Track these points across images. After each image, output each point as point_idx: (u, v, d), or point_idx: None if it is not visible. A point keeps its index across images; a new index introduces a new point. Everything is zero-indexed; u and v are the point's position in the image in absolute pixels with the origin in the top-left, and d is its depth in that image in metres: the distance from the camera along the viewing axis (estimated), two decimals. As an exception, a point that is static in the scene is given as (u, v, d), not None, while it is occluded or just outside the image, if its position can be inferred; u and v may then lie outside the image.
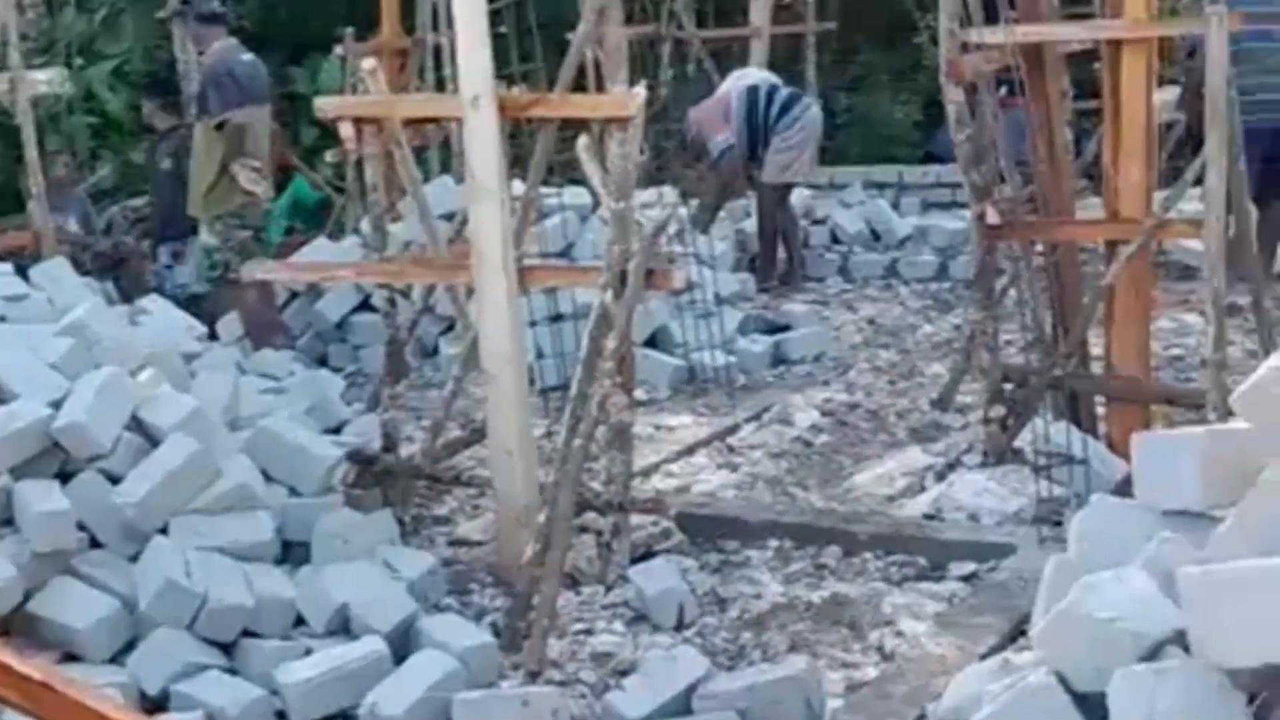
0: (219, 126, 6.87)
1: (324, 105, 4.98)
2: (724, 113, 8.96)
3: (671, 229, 6.58)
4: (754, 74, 9.60)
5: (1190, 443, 2.67)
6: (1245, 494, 2.45)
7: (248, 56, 7.14)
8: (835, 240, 9.52)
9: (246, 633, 4.13)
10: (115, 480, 4.30)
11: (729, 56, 11.31)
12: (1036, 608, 2.75)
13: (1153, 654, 2.34)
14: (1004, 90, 5.85)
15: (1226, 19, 4.76)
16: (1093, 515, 2.81)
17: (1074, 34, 5.29)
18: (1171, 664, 2.28)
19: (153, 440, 4.44)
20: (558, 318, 6.41)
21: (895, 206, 10.04)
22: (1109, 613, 2.36)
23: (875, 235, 9.49)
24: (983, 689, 2.59)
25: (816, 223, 9.59)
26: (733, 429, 6.27)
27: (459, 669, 3.87)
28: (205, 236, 7.07)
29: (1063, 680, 2.38)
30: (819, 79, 11.60)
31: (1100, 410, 5.47)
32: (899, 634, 4.30)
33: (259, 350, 6.58)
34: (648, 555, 4.82)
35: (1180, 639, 2.35)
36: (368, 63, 4.97)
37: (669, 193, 6.65)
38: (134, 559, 4.22)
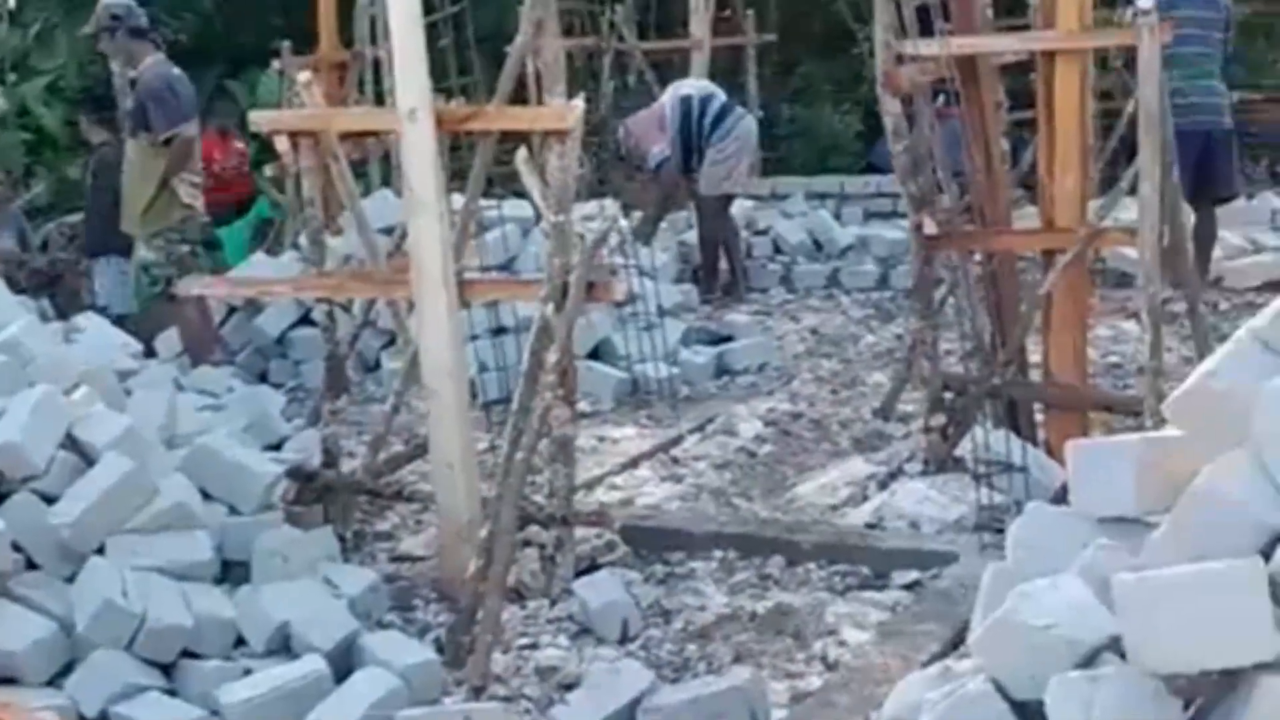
0: (166, 141, 6.81)
1: (259, 119, 4.95)
2: (659, 124, 9.00)
3: (613, 241, 6.59)
4: (691, 84, 9.63)
5: (1124, 450, 2.69)
6: (1179, 500, 2.48)
7: (177, 71, 7.09)
8: (778, 251, 9.56)
9: (186, 653, 4.08)
10: (50, 500, 4.24)
11: (670, 68, 11.35)
12: (975, 616, 2.76)
13: (1089, 661, 2.36)
14: (941, 100, 5.90)
15: (1158, 29, 4.82)
16: (1029, 523, 2.83)
17: (1007, 45, 5.33)
18: (1107, 671, 2.30)
19: (88, 459, 4.38)
20: (500, 331, 6.40)
21: (837, 217, 10.10)
22: (1045, 620, 2.37)
23: (817, 245, 9.54)
24: (923, 697, 2.60)
25: (759, 233, 9.63)
26: (676, 440, 6.28)
27: (401, 686, 3.84)
28: (144, 253, 7.00)
29: (1000, 688, 2.40)
30: (760, 91, 11.66)
31: (1039, 418, 5.52)
32: (842, 643, 4.32)
33: (197, 367, 6.53)
34: (592, 568, 4.81)
35: (1116, 645, 2.37)
36: (303, 76, 4.94)
37: (610, 205, 6.65)
38: (71, 580, 4.16)
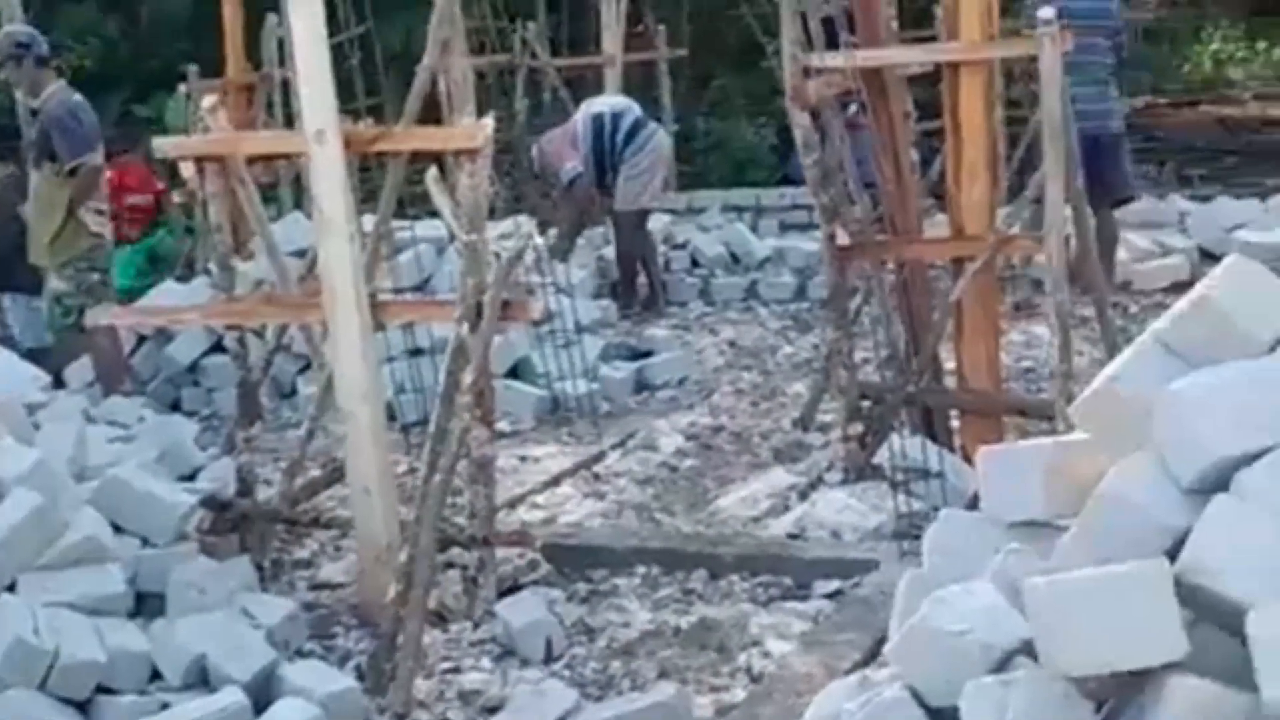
0: (72, 171, 6.70)
1: (164, 145, 4.89)
2: (571, 141, 9.01)
3: (529, 259, 6.57)
4: (605, 101, 9.65)
5: (1032, 454, 2.71)
6: (1086, 504, 2.50)
7: (80, 98, 6.99)
8: (695, 264, 9.58)
9: (101, 689, 4.00)
10: (-43, 538, 4.15)
11: (583, 85, 11.36)
12: (892, 623, 2.78)
13: (1002, 665, 2.37)
14: (852, 110, 5.95)
15: (1058, 38, 4.90)
16: (943, 529, 2.84)
17: (912, 57, 5.39)
18: (1020, 674, 2.31)
19: (-5, 495, 4.29)
20: (416, 352, 6.36)
21: (754, 229, 10.15)
22: (959, 626, 2.39)
23: (735, 258, 9.58)
24: (842, 707, 2.61)
25: (677, 247, 9.65)
26: (598, 457, 6.26)
27: (321, 716, 3.80)
28: (55, 283, 6.87)
29: (916, 695, 2.41)
30: (675, 105, 11.71)
31: (955, 424, 5.57)
32: (766, 655, 4.33)
33: (109, 397, 6.42)
34: (515, 588, 4.78)
35: (1029, 649, 2.38)
36: (207, 100, 4.89)
37: (525, 223, 6.62)
38: (-20, 618, 4.07)
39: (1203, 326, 2.56)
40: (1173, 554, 2.34)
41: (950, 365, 5.63)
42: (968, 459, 5.19)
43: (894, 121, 5.35)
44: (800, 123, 5.22)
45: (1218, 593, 2.28)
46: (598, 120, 9.00)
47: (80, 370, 7.08)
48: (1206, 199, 10.23)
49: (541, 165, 9.28)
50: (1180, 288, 8.03)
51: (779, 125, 11.74)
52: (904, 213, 5.39)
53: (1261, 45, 14.51)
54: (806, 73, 5.19)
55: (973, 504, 4.01)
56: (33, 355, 6.63)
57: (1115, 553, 2.34)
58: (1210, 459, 2.37)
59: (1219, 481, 2.38)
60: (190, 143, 5.11)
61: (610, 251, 9.32)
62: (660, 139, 9.19)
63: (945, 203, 5.59)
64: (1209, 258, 8.69)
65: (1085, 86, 7.71)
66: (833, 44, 5.21)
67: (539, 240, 7.21)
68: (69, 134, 6.76)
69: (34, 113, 6.94)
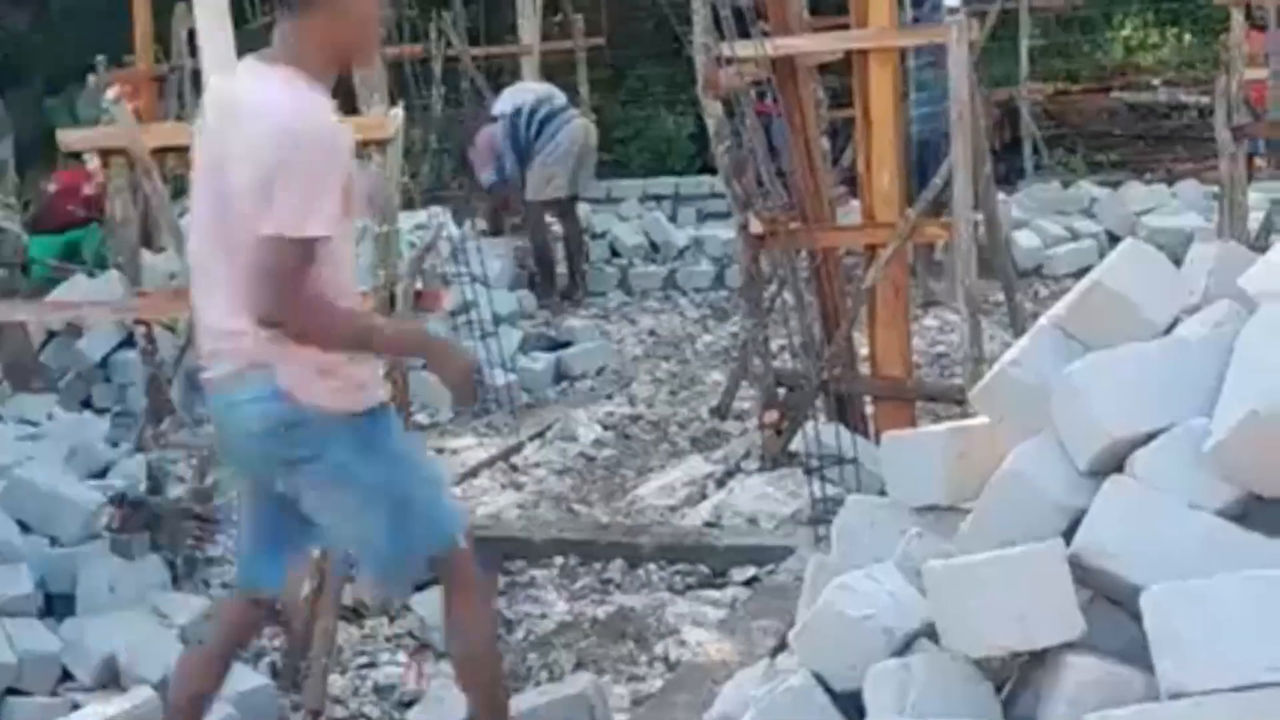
0: None
1: (67, 138, 4.81)
2: (492, 147, 9.04)
3: (445, 250, 6.55)
4: (529, 89, 9.62)
5: (933, 440, 2.75)
6: (984, 487, 2.54)
7: None
8: (614, 253, 9.59)
9: (11, 690, 3.95)
10: None
11: (501, 74, 11.31)
12: (800, 609, 2.80)
13: (905, 648, 2.40)
14: (769, 98, 5.95)
15: (967, 28, 4.95)
16: (850, 515, 2.87)
17: (822, 46, 5.43)
18: (920, 658, 2.34)
19: (-102, 496, 4.22)
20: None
21: (672, 218, 10.17)
22: (862, 611, 2.41)
23: (654, 247, 9.59)
24: (750, 694, 2.63)
25: (596, 236, 9.65)
26: (516, 448, 6.26)
27: (235, 715, 3.76)
28: None
29: (821, 680, 2.43)
30: (593, 94, 11.68)
31: (869, 410, 5.62)
32: (683, 643, 4.35)
33: (18, 394, 6.31)
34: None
35: (932, 632, 2.41)
36: (110, 92, 4.81)
37: (440, 213, 6.60)
38: (-115, 623, 4.00)
39: (1098, 310, 2.60)
40: (1069, 535, 2.38)
41: (864, 352, 5.68)
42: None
43: (805, 110, 5.38)
44: (713, 112, 5.23)
45: (1113, 572, 2.32)
46: (514, 120, 9.01)
47: (-12, 367, 6.95)
48: (1116, 184, 10.38)
49: (472, 169, 9.33)
50: (1089, 273, 8.17)
51: (698, 114, 11.76)
52: (816, 201, 5.42)
53: (1172, 31, 14.74)
54: (719, 62, 5.20)
55: (885, 490, 4.06)
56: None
57: (1014, 534, 2.38)
58: (1105, 440, 2.42)
59: (1114, 462, 2.42)
60: (94, 135, 5.03)
61: (528, 242, 9.31)
62: (573, 127, 9.16)
63: (857, 190, 5.63)
64: (1118, 242, 8.81)
65: (915, 91, 7.62)
66: (744, 33, 5.22)
67: (454, 230, 7.20)
68: None
69: None
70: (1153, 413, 2.42)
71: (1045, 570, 2.25)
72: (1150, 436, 2.41)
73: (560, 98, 9.34)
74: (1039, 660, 2.32)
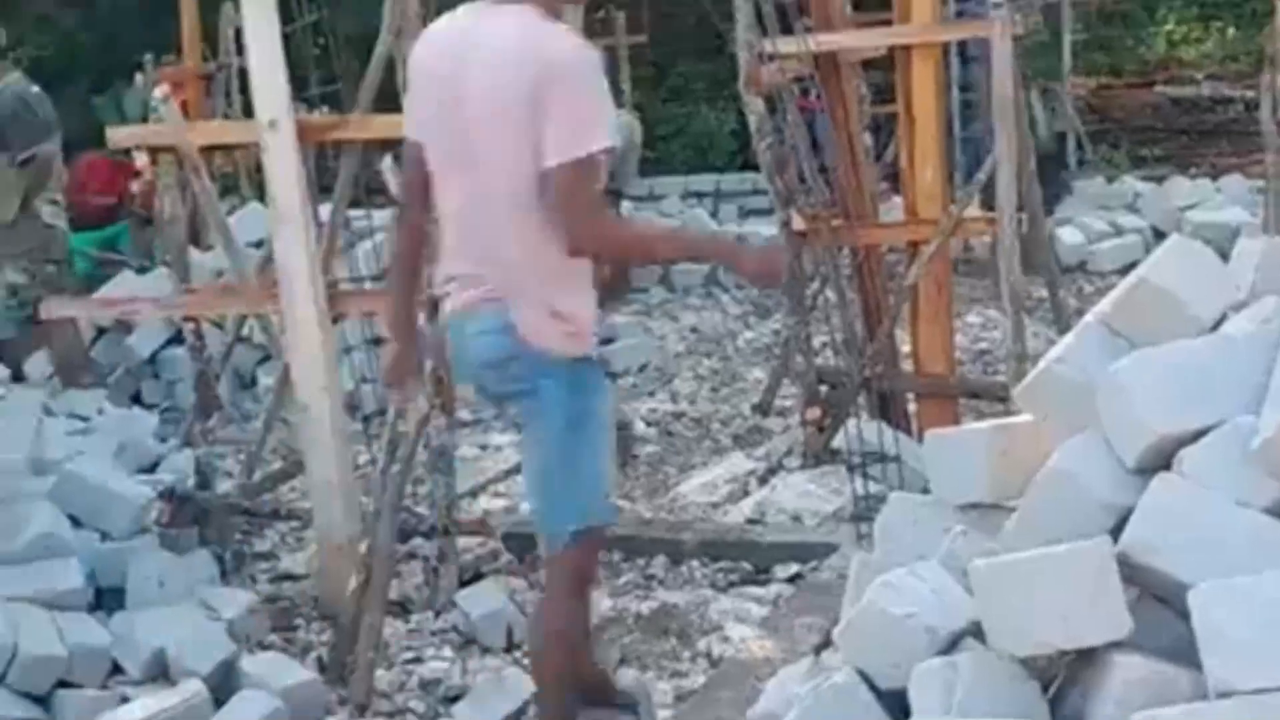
0: (24, 162, 6.64)
1: (117, 136, 4.87)
2: None
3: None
4: None
5: (977, 437, 2.74)
6: (1030, 485, 2.53)
7: (36, 89, 6.93)
8: (656, 250, 9.58)
9: (61, 684, 3.99)
10: (-86, 534, 4.14)
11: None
12: (843, 607, 2.80)
13: (950, 647, 2.40)
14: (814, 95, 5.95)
15: (1010, 23, 4.93)
16: (893, 513, 2.87)
17: (865, 41, 5.41)
18: (966, 656, 2.34)
19: (-49, 490, 4.28)
20: (376, 342, 6.32)
21: (714, 215, 10.18)
22: (906, 609, 2.41)
23: (695, 244, 9.58)
24: (794, 691, 2.63)
25: (638, 233, 9.65)
26: (558, 444, 6.26)
27: (282, 708, 3.80)
28: (9, 275, 6.81)
29: (866, 678, 2.43)
30: (635, 92, 11.70)
31: (912, 407, 5.61)
32: (726, 639, 4.35)
33: (68, 390, 6.39)
34: (476, 577, 4.79)
35: (977, 631, 2.41)
36: (158, 90, 4.86)
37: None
38: (-60, 615, 4.06)
39: (1144, 307, 2.59)
40: (1116, 533, 2.37)
41: (907, 349, 5.67)
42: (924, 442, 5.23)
43: (848, 106, 5.37)
44: (755, 109, 5.23)
45: (1160, 570, 2.31)
46: None
47: (39, 363, 7.04)
48: (1160, 179, 10.31)
49: None
50: (1133, 268, 8.12)
51: (739, 110, 11.76)
52: (858, 197, 5.41)
53: (1215, 25, 14.61)
54: (761, 58, 5.20)
55: (929, 487, 4.06)
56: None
57: (1060, 532, 2.37)
58: (1152, 438, 2.40)
59: (1161, 460, 2.41)
60: (143, 132, 5.09)
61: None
62: (620, 126, 9.16)
63: (900, 186, 5.62)
64: (1162, 238, 8.76)
65: None
66: (788, 29, 5.22)
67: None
68: (22, 124, 6.70)
69: None
70: (1199, 410, 2.41)
71: (1092, 568, 2.24)
72: (1197, 434, 2.40)
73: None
74: (1086, 659, 2.31)
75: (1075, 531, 2.38)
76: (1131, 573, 2.33)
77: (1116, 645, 2.27)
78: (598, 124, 3.03)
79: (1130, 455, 2.43)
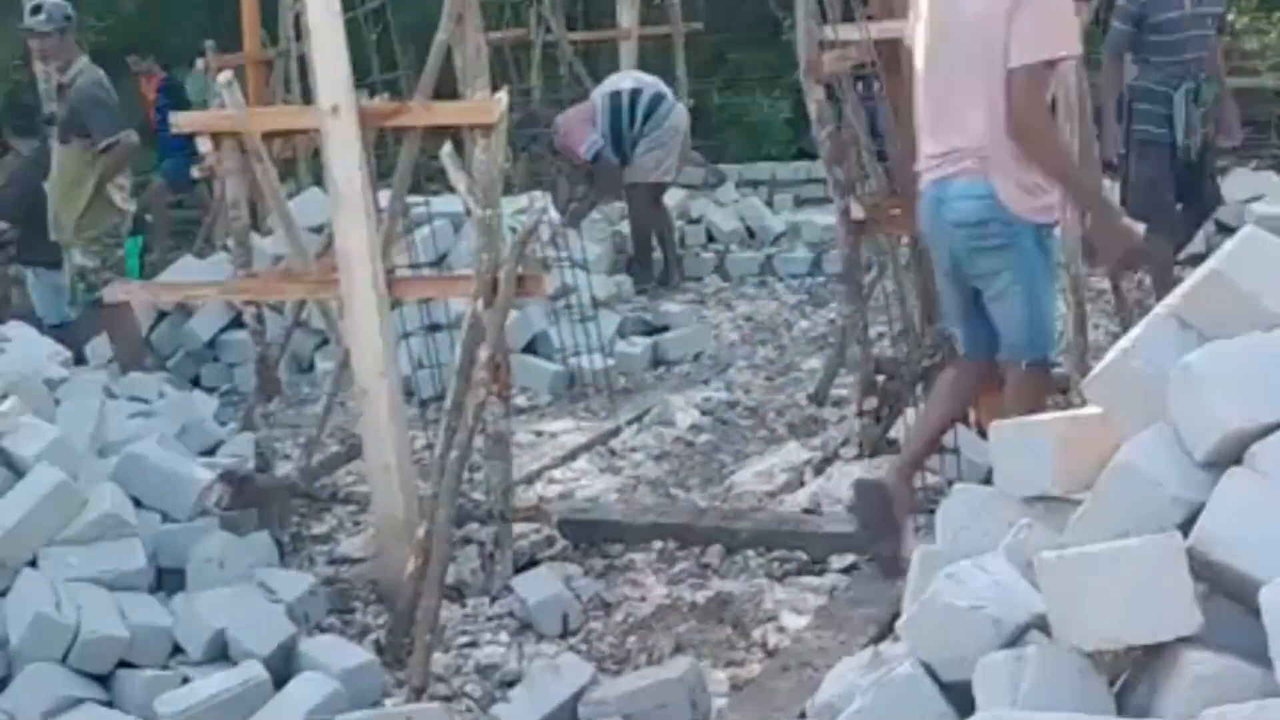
0: (106, 148, 6.71)
1: (180, 120, 4.91)
2: (589, 119, 9.01)
3: (545, 234, 6.59)
4: (630, 77, 9.62)
5: (1044, 429, 2.72)
6: (1099, 478, 2.51)
7: (103, 74, 7.01)
8: (711, 239, 9.58)
9: (122, 664, 4.04)
10: (-21, 514, 4.19)
11: (598, 59, 11.34)
12: (905, 598, 2.79)
13: (1015, 640, 2.38)
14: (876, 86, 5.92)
15: (1079, 9, 4.86)
16: (956, 504, 2.85)
17: (928, 29, 5.35)
18: (1032, 649, 2.32)
19: (17, 471, 4.34)
20: (434, 328, 6.38)
21: (769, 204, 10.14)
22: (971, 601, 2.39)
23: (750, 233, 9.58)
24: (855, 682, 2.63)
25: (692, 222, 9.65)
26: (614, 432, 6.28)
27: (340, 690, 3.83)
28: (80, 259, 6.89)
29: (929, 670, 2.42)
30: (690, 79, 11.68)
31: (971, 398, 5.56)
32: (782, 629, 4.34)
33: (129, 373, 6.46)
34: (532, 563, 4.80)
35: (1043, 624, 2.39)
36: (222, 76, 4.90)
37: (540, 198, 6.63)
38: (3, 594, 4.12)
39: (1216, 300, 2.56)
40: (1186, 527, 2.35)
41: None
42: (983, 434, 5.19)
43: (908, 94, 5.32)
44: (815, 96, 5.20)
45: (1231, 566, 2.28)
46: (615, 99, 9.00)
47: (101, 346, 7.12)
48: (1222, 171, 10.16)
49: (560, 144, 9.28)
50: (1195, 260, 8.01)
51: (794, 99, 11.71)
52: (918, 186, 5.36)
53: (1277, 16, 14.39)
54: (821, 46, 5.17)
55: (988, 479, 4.02)
56: (54, 331, 6.66)
57: (1129, 526, 2.35)
58: (1224, 432, 2.38)
59: (1232, 455, 2.38)
60: (206, 118, 5.13)
61: (626, 227, 9.33)
62: (678, 113, 9.17)
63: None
64: (1225, 230, 8.64)
65: None
66: (849, 16, 5.19)
67: (554, 215, 7.23)
68: (104, 110, 6.78)
69: (61, 88, 6.89)
70: (1272, 404, 2.38)
71: (1163, 563, 2.22)
72: (1269, 428, 2.37)
73: (660, 84, 9.32)
74: (1154, 654, 2.29)
75: (1144, 525, 2.35)
76: (1201, 568, 2.31)
77: (1186, 641, 2.25)
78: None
79: (1201, 449, 2.41)
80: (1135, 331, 2.69)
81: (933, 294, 5.35)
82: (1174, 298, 2.68)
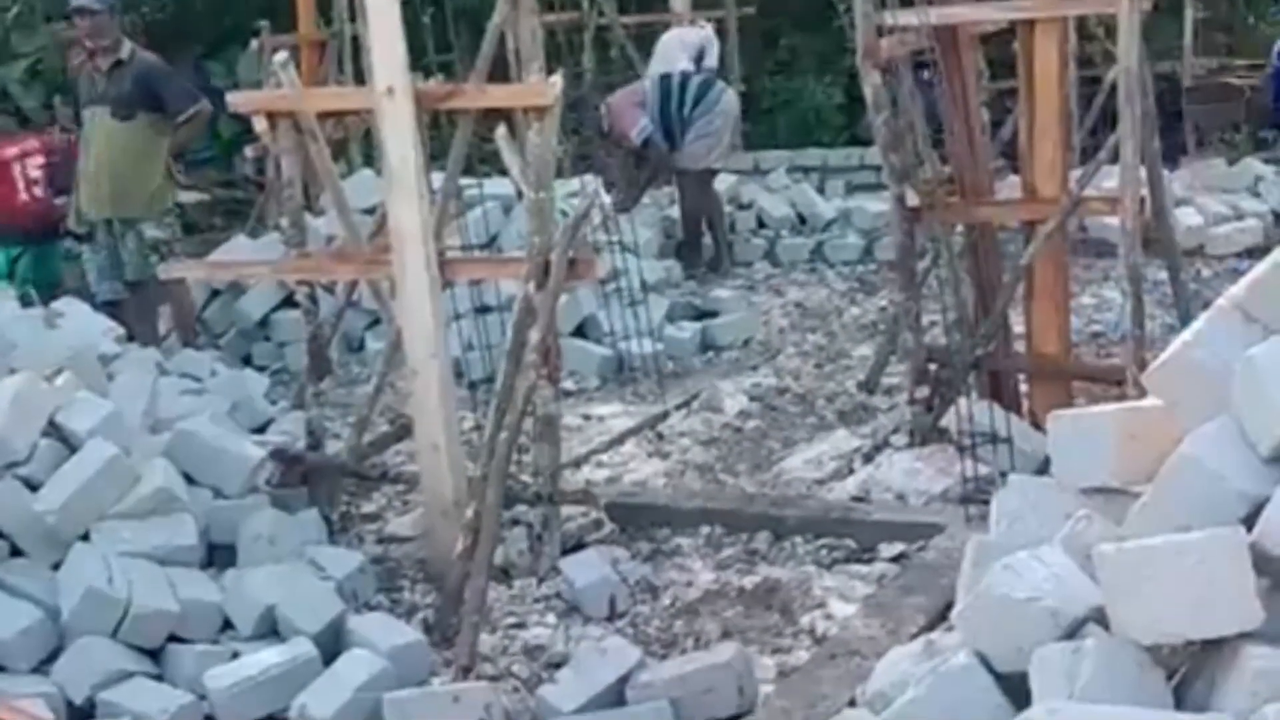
0: (185, 121, 6.78)
1: (236, 100, 4.93)
2: (639, 102, 9.00)
3: (595, 218, 6.57)
4: (694, 34, 9.57)
5: (1104, 420, 2.69)
6: (1160, 470, 2.48)
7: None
8: (761, 225, 9.54)
9: (172, 638, 4.08)
10: (34, 487, 4.24)
11: (651, 42, 11.30)
12: (959, 588, 2.77)
13: (1072, 632, 2.36)
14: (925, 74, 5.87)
15: (1138, -2, 4.81)
16: (1012, 495, 2.83)
17: (986, 15, 5.31)
18: (1090, 642, 2.30)
19: (71, 445, 4.37)
20: (484, 310, 6.38)
21: (820, 190, 10.08)
22: (1028, 592, 2.37)
23: (801, 219, 9.52)
24: (908, 671, 2.61)
25: (743, 208, 9.61)
26: (662, 417, 6.27)
27: (389, 668, 3.85)
28: (154, 231, 6.93)
29: (984, 661, 2.40)
30: (742, 64, 11.62)
31: (1023, 388, 5.52)
32: (829, 617, 4.33)
33: (187, 348, 6.51)
34: (579, 546, 4.80)
35: (1100, 616, 2.37)
36: (279, 56, 4.91)
37: (592, 181, 6.61)
38: (56, 567, 4.16)
39: (1282, 292, 2.52)
40: (1248, 522, 2.32)
41: (1019, 329, 5.57)
42: (1036, 424, 5.15)
43: (966, 81, 5.28)
44: (872, 82, 5.15)
45: (1294, 562, 2.25)
46: (665, 82, 8.99)
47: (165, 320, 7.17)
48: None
49: (610, 126, 9.26)
50: (1254, 252, 7.92)
51: (846, 85, 11.63)
52: (974, 174, 5.32)
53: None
54: (879, 31, 5.12)
55: (1042, 469, 3.99)
56: (107, 308, 6.70)
57: (1190, 520, 2.32)
58: (1289, 427, 2.34)
59: (1298, 450, 2.35)
60: (263, 97, 5.14)
61: (676, 211, 9.30)
62: (728, 98, 9.14)
63: (1017, 163, 5.51)
64: (1286, 222, 8.57)
65: None
66: (907, 1, 5.14)
67: (605, 199, 7.22)
68: (175, 84, 6.89)
69: (116, 66, 6.92)
70: (1340, 399, 2.34)
71: (1225, 557, 2.19)
72: (1336, 423, 2.33)
73: (714, 48, 9.26)
74: (1214, 648, 2.27)
75: (1206, 519, 2.33)
76: (1264, 563, 2.28)
77: (1247, 636, 2.22)
78: None
79: (1265, 443, 2.37)
80: (1198, 323, 2.66)
81: (989, 282, 5.31)
82: (1238, 290, 2.64)
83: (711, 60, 9.36)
